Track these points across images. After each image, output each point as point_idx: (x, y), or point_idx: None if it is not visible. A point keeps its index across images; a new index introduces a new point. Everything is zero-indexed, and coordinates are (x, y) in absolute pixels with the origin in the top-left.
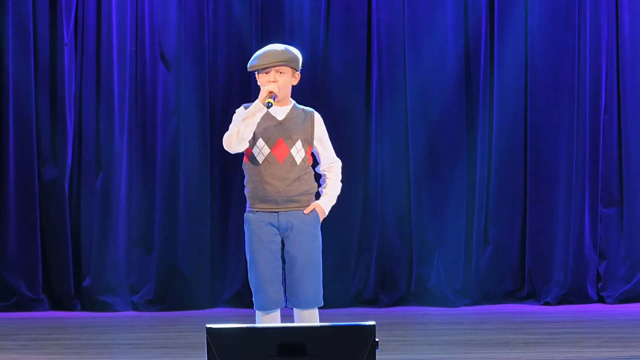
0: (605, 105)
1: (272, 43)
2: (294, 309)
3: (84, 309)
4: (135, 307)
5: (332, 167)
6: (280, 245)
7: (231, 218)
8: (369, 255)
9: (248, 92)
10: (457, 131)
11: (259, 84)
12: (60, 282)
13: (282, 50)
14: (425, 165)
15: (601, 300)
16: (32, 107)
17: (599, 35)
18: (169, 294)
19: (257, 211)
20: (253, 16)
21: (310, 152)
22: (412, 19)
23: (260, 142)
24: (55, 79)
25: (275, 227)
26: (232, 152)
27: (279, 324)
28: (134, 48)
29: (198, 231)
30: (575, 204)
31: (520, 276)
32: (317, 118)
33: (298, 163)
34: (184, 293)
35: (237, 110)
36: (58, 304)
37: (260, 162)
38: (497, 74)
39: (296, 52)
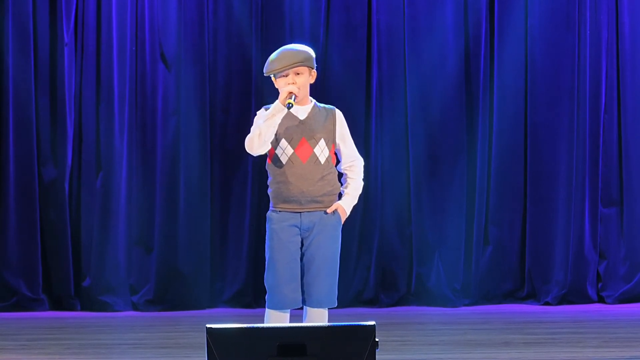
0: (605, 105)
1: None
2: (305, 307)
3: (84, 309)
4: (135, 307)
5: (353, 165)
6: (299, 245)
7: (231, 218)
8: (369, 255)
9: (248, 92)
10: (457, 131)
11: (276, 87)
12: (60, 282)
13: (297, 51)
14: (425, 165)
15: (601, 300)
16: (32, 107)
17: (599, 35)
18: (169, 294)
19: (280, 211)
20: (253, 16)
21: (334, 152)
22: (412, 19)
23: (284, 142)
24: (55, 79)
25: (297, 227)
26: (254, 155)
27: (280, 324)
28: (134, 48)
29: (198, 231)
30: (575, 204)
31: (520, 276)
32: (339, 115)
33: (322, 162)
34: (184, 293)
35: (257, 112)
36: (58, 304)
37: (284, 162)
38: (497, 74)
39: (310, 50)
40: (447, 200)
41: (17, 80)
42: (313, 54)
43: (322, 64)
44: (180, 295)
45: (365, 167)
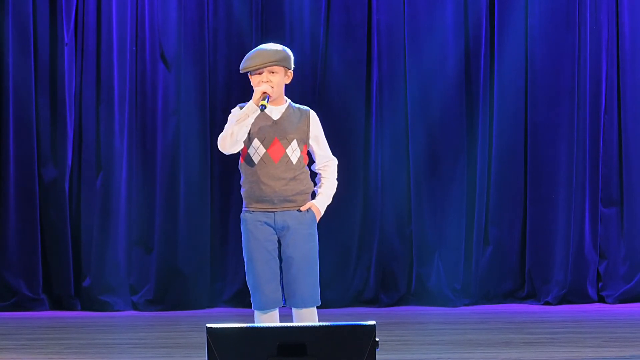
0: (605, 105)
1: (273, 43)
2: (292, 308)
3: (84, 309)
4: (135, 307)
5: (327, 165)
6: (276, 245)
7: (231, 218)
8: (369, 255)
9: (248, 92)
10: (457, 131)
11: (252, 84)
12: (60, 282)
13: (273, 50)
14: (425, 165)
15: (601, 300)
16: (32, 107)
17: (599, 35)
18: (169, 294)
19: (253, 211)
20: (253, 16)
21: (306, 152)
22: (412, 19)
23: (256, 142)
24: (55, 79)
25: (271, 226)
26: (226, 153)
27: (279, 324)
28: (134, 48)
29: (198, 231)
30: (575, 204)
31: (520, 276)
32: (313, 116)
33: (294, 163)
34: (184, 293)
35: (232, 111)
36: (58, 304)
37: (256, 162)
38: (497, 74)
39: (287, 50)
40: (447, 200)
41: (17, 80)
42: (290, 55)
43: (322, 64)
44: (180, 295)
45: (365, 167)
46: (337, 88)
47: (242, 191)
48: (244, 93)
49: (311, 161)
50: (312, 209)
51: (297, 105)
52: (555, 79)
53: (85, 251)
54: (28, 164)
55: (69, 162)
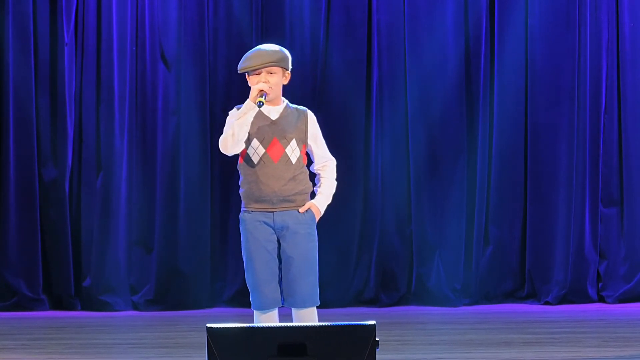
0: (605, 105)
1: (273, 43)
2: (292, 308)
3: (84, 308)
4: (135, 307)
5: (326, 165)
6: (276, 245)
7: (231, 218)
8: (369, 255)
9: (248, 92)
10: (457, 131)
11: (249, 84)
12: (60, 282)
13: (272, 51)
14: (425, 165)
15: (601, 300)
16: (32, 107)
17: (599, 35)
18: (169, 294)
19: (252, 211)
20: (253, 16)
21: (305, 152)
22: (412, 19)
23: (255, 142)
24: (55, 79)
25: (270, 226)
26: (229, 154)
27: (280, 324)
28: (134, 48)
29: (198, 231)
30: (575, 204)
31: (520, 276)
32: (311, 116)
33: (293, 162)
34: (184, 293)
35: (230, 112)
36: (58, 304)
37: (256, 162)
38: (497, 74)
39: (285, 51)
40: (447, 200)
41: (17, 80)
42: (288, 56)
43: (322, 64)
44: (180, 295)
45: (365, 167)
46: (337, 88)
47: (240, 191)
48: (244, 93)
49: (309, 162)
50: (312, 208)
51: (295, 106)
52: (555, 79)
53: (85, 251)
54: (28, 164)
55: (69, 162)
